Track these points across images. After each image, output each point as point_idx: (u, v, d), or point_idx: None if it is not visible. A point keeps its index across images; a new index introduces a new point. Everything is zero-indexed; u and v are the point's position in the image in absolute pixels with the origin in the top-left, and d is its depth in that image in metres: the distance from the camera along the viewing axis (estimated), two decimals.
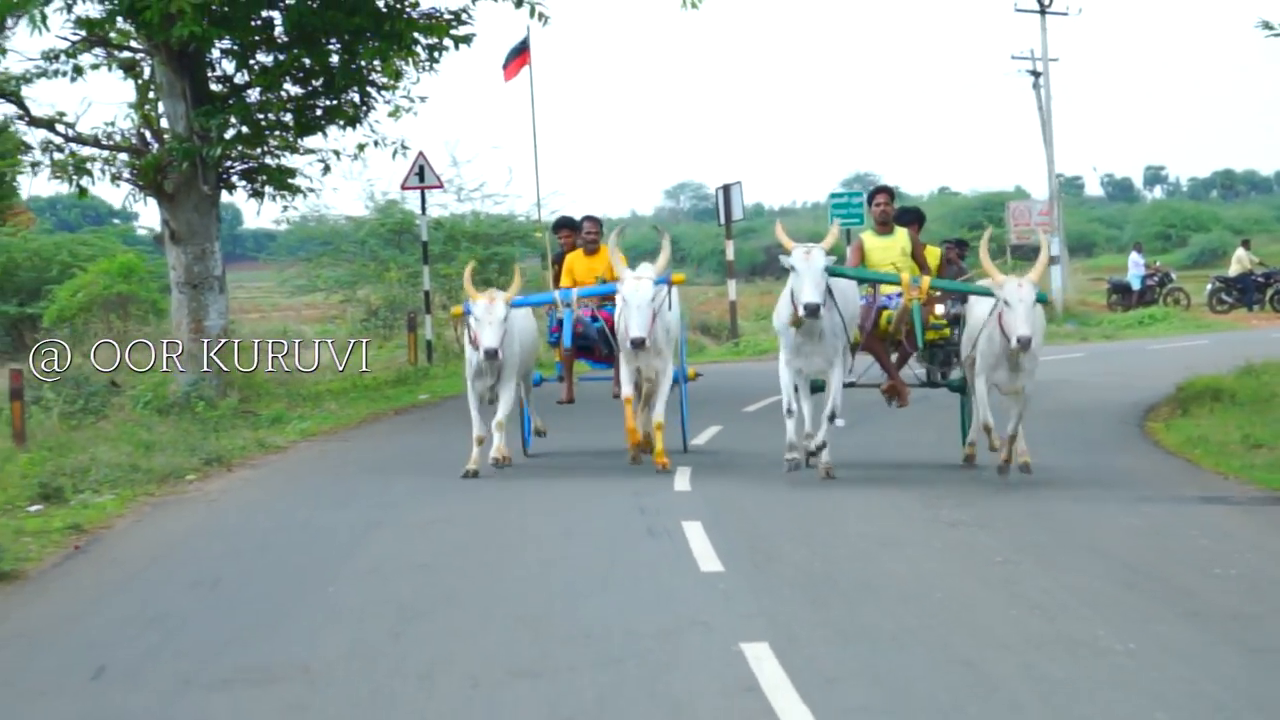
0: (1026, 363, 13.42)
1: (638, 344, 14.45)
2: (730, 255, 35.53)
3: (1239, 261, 41.94)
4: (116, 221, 68.31)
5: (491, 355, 14.41)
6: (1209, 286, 42.10)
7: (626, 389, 14.79)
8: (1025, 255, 42.86)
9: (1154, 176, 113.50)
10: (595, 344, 15.80)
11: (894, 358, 14.86)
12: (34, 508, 13.26)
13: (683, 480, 13.80)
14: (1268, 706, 6.69)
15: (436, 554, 10.82)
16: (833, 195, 35.36)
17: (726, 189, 33.38)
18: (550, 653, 7.84)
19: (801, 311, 13.34)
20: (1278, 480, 13.25)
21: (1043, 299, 13.55)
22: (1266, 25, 16.67)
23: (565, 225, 16.73)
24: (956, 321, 14.87)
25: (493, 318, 14.48)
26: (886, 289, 14.52)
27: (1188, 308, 41.61)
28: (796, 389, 13.92)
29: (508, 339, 14.63)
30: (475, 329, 14.54)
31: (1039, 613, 8.42)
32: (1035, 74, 43.72)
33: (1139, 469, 14.63)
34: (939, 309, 14.80)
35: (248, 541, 11.69)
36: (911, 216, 15.36)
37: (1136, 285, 42.42)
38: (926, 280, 14.20)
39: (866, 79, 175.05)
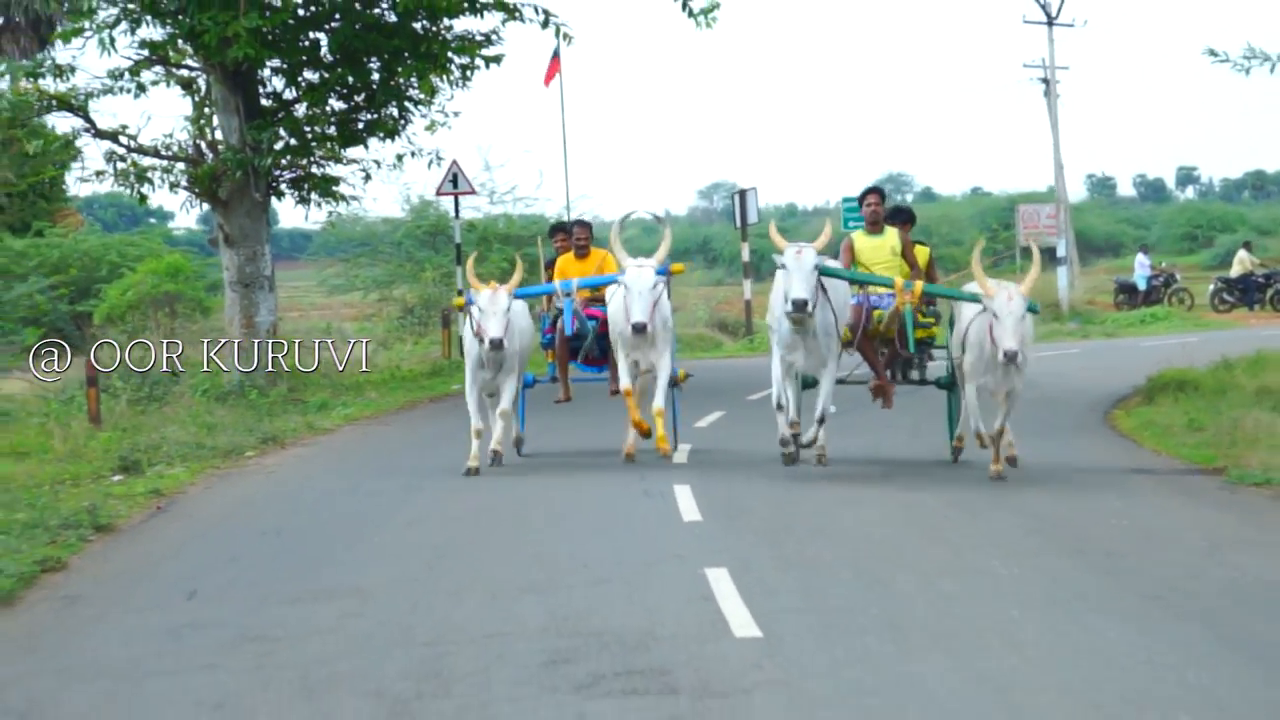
0: (1014, 368, 13.92)
1: (639, 329, 14.60)
2: (746, 257, 37.44)
3: (1240, 262, 43.63)
4: (153, 221, 70.04)
5: (497, 345, 14.57)
6: (1211, 286, 43.80)
7: (625, 381, 15.00)
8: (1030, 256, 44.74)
9: (1186, 177, 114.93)
10: (590, 348, 15.89)
11: (883, 356, 15.17)
12: (116, 477, 15.27)
13: (681, 454, 15.70)
14: (1104, 607, 8.61)
15: (464, 511, 12.78)
16: (845, 200, 37.11)
17: (742, 194, 35.30)
18: (554, 577, 9.79)
19: (789, 307, 13.60)
20: (1200, 455, 15.10)
21: (1034, 309, 14.04)
22: (1212, 53, 18.07)
23: (559, 229, 16.93)
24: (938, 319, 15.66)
25: (496, 308, 14.64)
26: (877, 289, 14.88)
27: (1190, 308, 43.32)
28: (786, 383, 14.16)
29: (510, 331, 14.76)
30: (479, 320, 14.74)
31: (951, 549, 10.37)
32: (1046, 81, 45.55)
33: (1086, 447, 16.48)
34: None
35: (304, 502, 13.68)
36: (904, 216, 15.73)
37: (1142, 285, 44.14)
38: (919, 285, 14.57)
39: (901, 81, 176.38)
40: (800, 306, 13.55)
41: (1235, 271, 43.67)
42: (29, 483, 14.51)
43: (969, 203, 79.00)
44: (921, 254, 15.48)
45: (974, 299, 14.13)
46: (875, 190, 15.41)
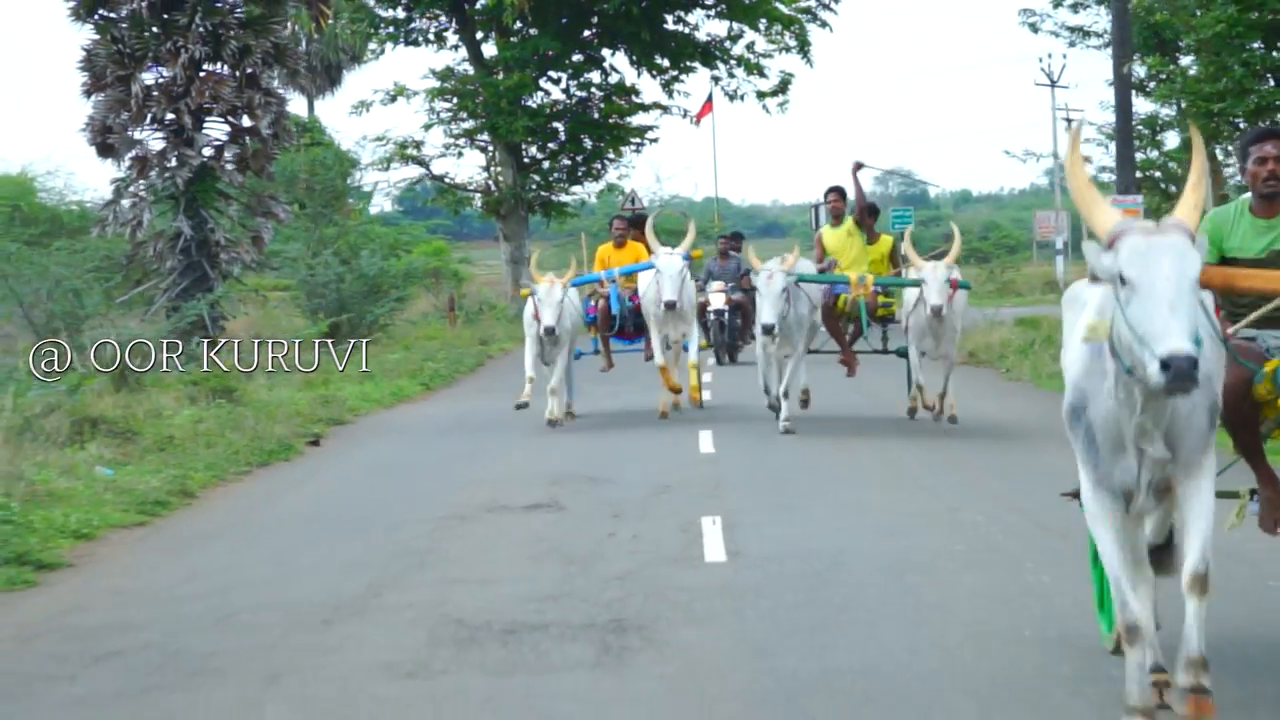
0: (947, 332, 15.79)
1: (670, 306, 16.28)
2: None
3: None
4: (397, 210, 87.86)
5: (550, 333, 16.29)
6: None
7: (659, 358, 16.89)
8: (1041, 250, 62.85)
9: None
10: (626, 323, 18.01)
11: (850, 330, 17.07)
12: (479, 346, 34.37)
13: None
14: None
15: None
16: (895, 211, 54.98)
17: (816, 207, 53.38)
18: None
19: (759, 330, 15.60)
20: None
21: (966, 285, 16.06)
22: (1007, 152, 33.81)
23: (619, 219, 19.85)
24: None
25: (551, 299, 16.26)
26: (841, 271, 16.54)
27: None
28: (769, 369, 16.29)
29: (563, 316, 16.45)
30: (538, 307, 16.39)
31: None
32: (1069, 120, 63.18)
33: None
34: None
35: None
36: (870, 210, 17.28)
37: None
38: (870, 279, 16.17)
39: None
40: (767, 330, 15.46)
41: None
42: (441, 345, 33.46)
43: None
44: (885, 242, 17.26)
45: (915, 284, 15.98)
46: (835, 189, 17.19)
